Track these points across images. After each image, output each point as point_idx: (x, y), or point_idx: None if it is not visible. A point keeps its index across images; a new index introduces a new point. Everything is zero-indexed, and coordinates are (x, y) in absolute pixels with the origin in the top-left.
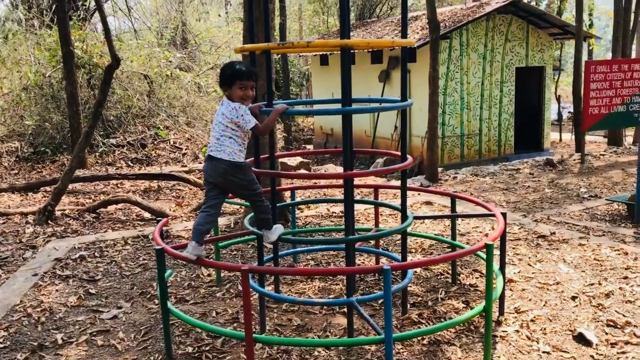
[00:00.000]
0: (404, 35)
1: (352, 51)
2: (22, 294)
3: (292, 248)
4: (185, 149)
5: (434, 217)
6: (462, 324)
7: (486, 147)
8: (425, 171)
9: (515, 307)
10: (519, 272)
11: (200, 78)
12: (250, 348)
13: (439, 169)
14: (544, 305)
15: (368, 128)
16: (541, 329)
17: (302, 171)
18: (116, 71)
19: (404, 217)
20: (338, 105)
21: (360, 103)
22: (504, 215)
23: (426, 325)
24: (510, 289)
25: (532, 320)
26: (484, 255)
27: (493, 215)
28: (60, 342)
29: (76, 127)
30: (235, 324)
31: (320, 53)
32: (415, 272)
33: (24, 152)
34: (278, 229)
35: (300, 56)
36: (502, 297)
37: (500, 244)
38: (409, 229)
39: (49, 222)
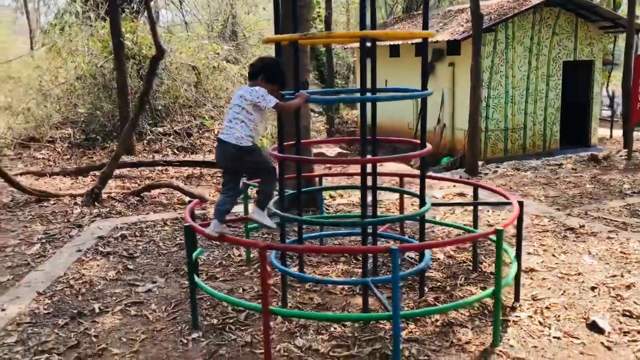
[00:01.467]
0: (425, 26)
1: (396, 43)
2: (66, 267)
3: (320, 232)
4: None
5: (451, 205)
6: (476, 309)
7: (530, 141)
8: (465, 164)
9: (532, 295)
10: (542, 262)
11: (247, 70)
12: (266, 319)
13: (480, 163)
14: (562, 294)
15: (411, 120)
16: (555, 316)
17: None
18: (165, 62)
19: (422, 204)
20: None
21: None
22: (520, 203)
23: None
24: (531, 278)
25: (547, 308)
26: (509, 249)
27: (511, 203)
28: (97, 310)
29: (125, 115)
30: (259, 300)
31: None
32: (438, 259)
33: (77, 139)
34: (267, 221)
35: (345, 48)
36: (517, 283)
37: (516, 231)
38: (436, 218)
39: (96, 203)
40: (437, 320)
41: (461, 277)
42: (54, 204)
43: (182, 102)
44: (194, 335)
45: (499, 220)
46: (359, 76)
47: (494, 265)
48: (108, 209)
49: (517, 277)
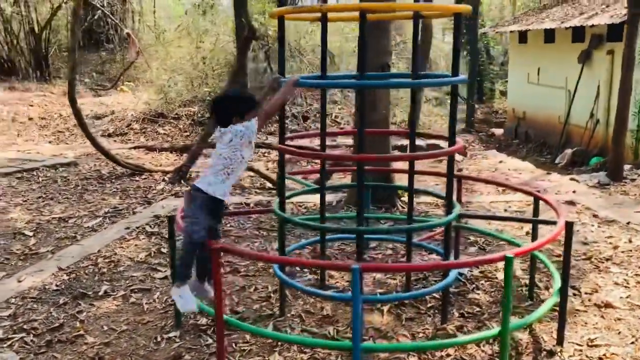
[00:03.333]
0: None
1: (550, 28)
2: (105, 244)
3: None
4: (344, 124)
5: (481, 217)
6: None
7: None
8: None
9: (589, 338)
10: (626, 297)
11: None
12: (219, 327)
13: (628, 167)
14: (633, 342)
15: (562, 114)
16: None
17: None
18: (299, 43)
19: (449, 210)
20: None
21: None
22: (569, 225)
23: None
24: (602, 316)
25: (599, 358)
26: (556, 276)
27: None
28: (101, 293)
29: None
30: (265, 303)
31: (518, 30)
32: (495, 278)
33: (199, 117)
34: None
35: (496, 32)
36: (561, 322)
37: (563, 257)
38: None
39: (182, 181)
40: (448, 355)
41: None
42: (145, 178)
43: None
44: (172, 334)
45: (599, 236)
46: (511, 64)
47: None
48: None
49: (561, 314)
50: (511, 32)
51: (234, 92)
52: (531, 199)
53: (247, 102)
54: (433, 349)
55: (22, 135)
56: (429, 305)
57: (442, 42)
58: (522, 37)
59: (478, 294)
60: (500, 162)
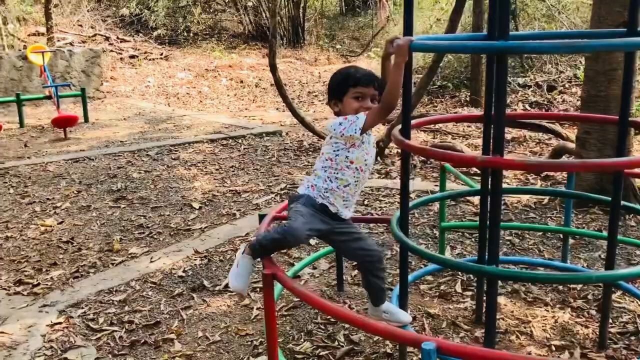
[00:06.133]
0: None
1: None
2: (257, 226)
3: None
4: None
5: None
6: None
7: None
8: None
9: None
10: None
11: None
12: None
13: None
14: None
15: None
16: None
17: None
18: (559, 1)
19: None
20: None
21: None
22: None
23: None
24: None
25: None
26: None
27: None
28: (220, 288)
29: (476, 61)
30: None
31: None
32: None
33: (431, 86)
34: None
35: None
36: None
37: None
38: None
39: (378, 158)
40: None
41: None
42: None
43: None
44: (262, 358)
45: None
46: None
47: None
48: (382, 166)
49: None
50: None
51: (354, 68)
52: None
53: (340, 80)
54: None
55: (257, 101)
56: None
57: None
58: None
59: None
60: None
